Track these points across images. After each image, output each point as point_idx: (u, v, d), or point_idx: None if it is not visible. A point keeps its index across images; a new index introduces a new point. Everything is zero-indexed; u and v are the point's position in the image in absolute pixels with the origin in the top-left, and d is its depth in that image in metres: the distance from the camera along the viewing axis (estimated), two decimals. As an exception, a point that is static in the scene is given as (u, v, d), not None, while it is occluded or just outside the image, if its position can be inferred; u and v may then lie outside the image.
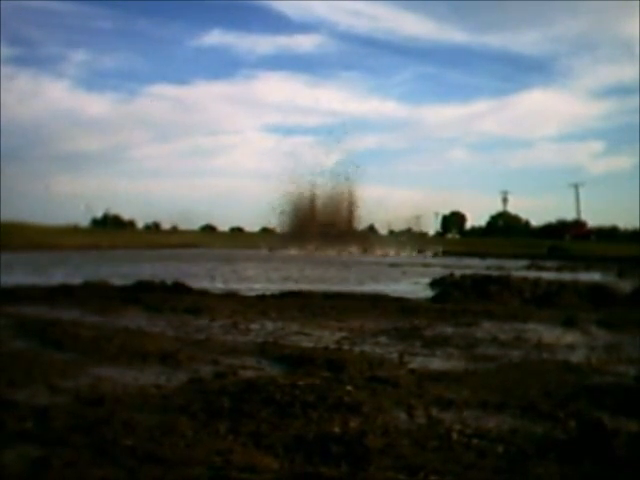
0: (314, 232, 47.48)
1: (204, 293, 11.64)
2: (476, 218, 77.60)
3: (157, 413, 3.87)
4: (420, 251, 43.74)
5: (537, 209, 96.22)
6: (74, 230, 49.58)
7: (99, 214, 67.17)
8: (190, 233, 60.75)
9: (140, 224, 68.73)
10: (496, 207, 72.71)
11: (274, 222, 54.33)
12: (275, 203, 50.73)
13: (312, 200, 51.81)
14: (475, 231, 73.37)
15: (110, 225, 63.33)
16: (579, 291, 11.62)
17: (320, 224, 49.17)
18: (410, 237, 51.15)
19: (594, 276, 18.31)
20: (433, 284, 13.96)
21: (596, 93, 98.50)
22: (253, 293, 11.98)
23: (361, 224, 54.09)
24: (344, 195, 51.67)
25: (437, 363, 5.87)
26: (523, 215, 72.27)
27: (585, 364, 5.80)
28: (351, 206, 51.99)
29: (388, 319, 8.67)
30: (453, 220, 74.24)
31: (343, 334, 7.39)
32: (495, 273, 14.09)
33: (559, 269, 23.14)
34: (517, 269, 20.96)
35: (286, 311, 9.26)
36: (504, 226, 69.90)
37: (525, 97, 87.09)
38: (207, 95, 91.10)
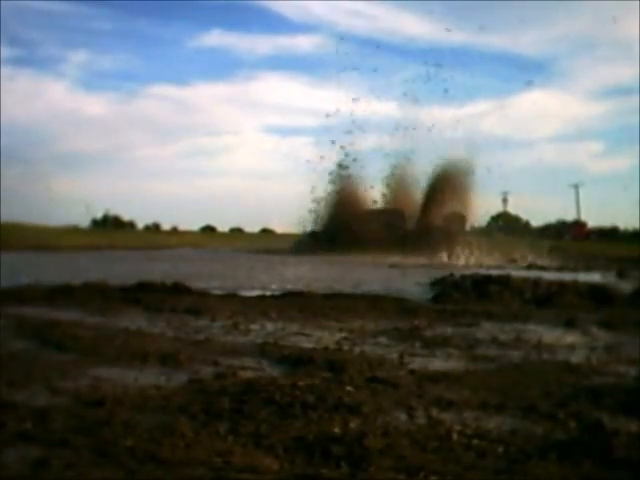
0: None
1: (204, 293, 11.63)
2: (476, 218, 77.33)
3: (157, 414, 3.87)
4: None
5: (537, 209, 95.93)
6: (74, 230, 49.38)
7: (99, 214, 66.84)
8: (190, 233, 60.63)
9: (140, 224, 68.51)
10: (496, 207, 72.63)
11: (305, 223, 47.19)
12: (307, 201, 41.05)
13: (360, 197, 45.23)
14: (475, 231, 73.22)
15: (110, 226, 63.09)
16: (579, 291, 11.59)
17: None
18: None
19: (594, 276, 18.29)
20: (433, 284, 13.94)
21: (596, 93, 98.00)
22: (253, 293, 11.98)
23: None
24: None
25: (437, 363, 5.87)
26: (523, 215, 72.15)
27: (585, 364, 5.80)
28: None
29: (388, 319, 8.67)
30: (453, 220, 74.05)
31: (343, 334, 7.39)
32: (495, 273, 14.04)
33: (559, 269, 23.13)
34: (517, 269, 20.96)
35: (286, 311, 9.26)
36: (504, 226, 69.76)
37: (525, 97, 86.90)
38: (207, 95, 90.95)
